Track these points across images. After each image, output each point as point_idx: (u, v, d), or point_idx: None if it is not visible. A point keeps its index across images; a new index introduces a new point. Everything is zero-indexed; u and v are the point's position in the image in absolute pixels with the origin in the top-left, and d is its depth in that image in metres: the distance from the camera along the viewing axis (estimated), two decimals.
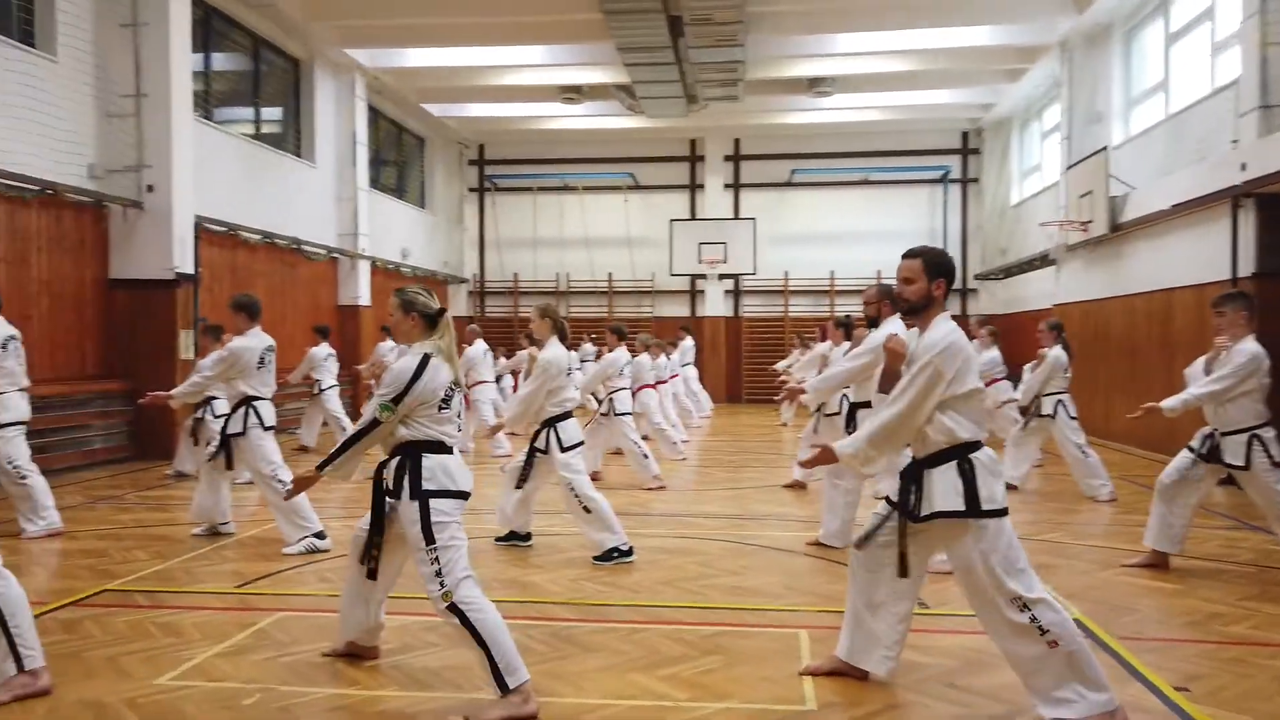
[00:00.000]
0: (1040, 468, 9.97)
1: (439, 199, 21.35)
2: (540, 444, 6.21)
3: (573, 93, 17.61)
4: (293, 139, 15.53)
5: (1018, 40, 15.06)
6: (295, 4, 13.56)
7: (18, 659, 3.63)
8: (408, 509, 3.73)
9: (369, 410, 3.81)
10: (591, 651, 4.25)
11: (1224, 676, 3.95)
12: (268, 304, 13.67)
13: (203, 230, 11.78)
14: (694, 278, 21.10)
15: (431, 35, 14.98)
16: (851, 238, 20.71)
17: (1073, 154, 14.60)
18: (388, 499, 3.82)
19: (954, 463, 3.45)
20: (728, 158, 21.27)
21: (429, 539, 3.66)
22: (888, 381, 3.74)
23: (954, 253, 20.92)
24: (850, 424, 6.28)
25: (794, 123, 19.85)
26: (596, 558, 5.97)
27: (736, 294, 21.31)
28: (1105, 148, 13.11)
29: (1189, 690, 3.77)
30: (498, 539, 6.51)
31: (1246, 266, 9.82)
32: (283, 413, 11.06)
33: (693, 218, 21.23)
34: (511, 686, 3.53)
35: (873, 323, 6.18)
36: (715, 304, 21.12)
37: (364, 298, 16.53)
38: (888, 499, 3.77)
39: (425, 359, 3.79)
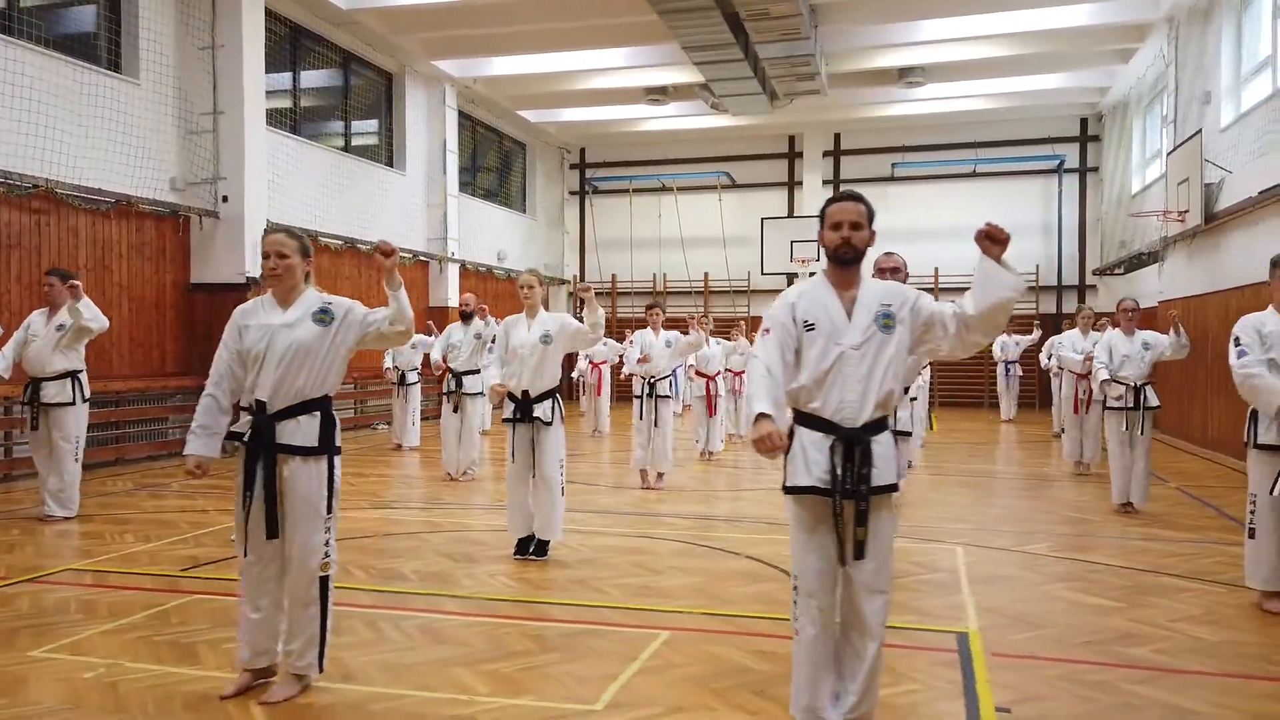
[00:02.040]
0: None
1: (540, 202, 21.85)
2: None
3: (658, 94, 17.69)
4: (385, 149, 16.29)
5: (1117, 18, 14.02)
6: (379, 19, 14.21)
7: None
8: (314, 471, 3.55)
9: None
10: (442, 644, 4.31)
11: (1067, 701, 3.61)
12: None
13: None
14: (790, 276, 20.71)
15: (511, 43, 15.36)
16: (957, 233, 19.63)
17: (1177, 138, 13.51)
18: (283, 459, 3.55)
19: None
20: (827, 153, 20.79)
21: (329, 507, 3.60)
22: None
23: (1071, 246, 19.80)
24: None
25: (894, 115, 19.18)
26: (543, 550, 5.99)
27: None
28: (1199, 131, 12.05)
29: (1009, 711, 3.48)
30: None
31: None
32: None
33: (790, 215, 20.86)
34: (323, 668, 3.68)
35: None
36: None
37: (453, 299, 17.13)
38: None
39: None
